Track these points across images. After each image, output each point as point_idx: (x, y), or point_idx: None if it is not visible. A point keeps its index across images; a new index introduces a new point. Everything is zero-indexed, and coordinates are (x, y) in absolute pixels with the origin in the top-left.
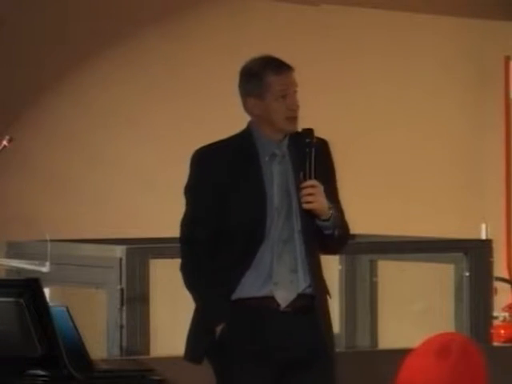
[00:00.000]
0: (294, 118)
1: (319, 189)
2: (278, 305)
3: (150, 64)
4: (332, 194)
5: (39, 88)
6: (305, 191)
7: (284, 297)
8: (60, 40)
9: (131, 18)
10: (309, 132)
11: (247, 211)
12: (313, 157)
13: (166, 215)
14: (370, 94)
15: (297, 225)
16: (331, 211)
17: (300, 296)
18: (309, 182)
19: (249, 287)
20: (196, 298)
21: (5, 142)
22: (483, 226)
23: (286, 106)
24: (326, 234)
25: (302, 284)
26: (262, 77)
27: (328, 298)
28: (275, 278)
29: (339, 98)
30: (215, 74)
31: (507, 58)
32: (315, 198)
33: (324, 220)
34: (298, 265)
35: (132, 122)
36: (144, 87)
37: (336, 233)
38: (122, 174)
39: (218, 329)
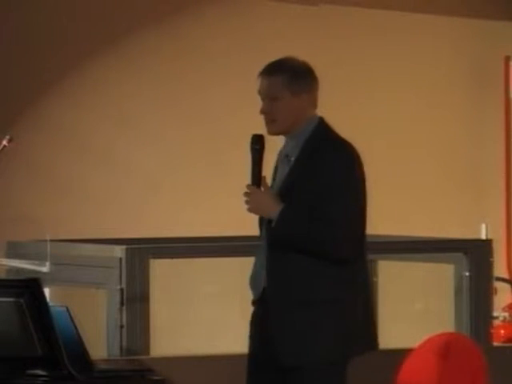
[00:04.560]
0: (266, 123)
1: (254, 194)
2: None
3: (154, 65)
4: (323, 203)
5: (39, 88)
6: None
7: (254, 290)
8: (60, 40)
9: (133, 17)
10: (258, 138)
11: None
12: (258, 162)
13: (166, 215)
14: (369, 94)
15: (267, 224)
16: (275, 215)
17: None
18: (246, 187)
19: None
20: None
21: (5, 142)
22: (483, 226)
23: (260, 109)
24: (272, 236)
25: (265, 281)
26: None
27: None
28: (252, 272)
29: (338, 98)
30: (219, 75)
31: (507, 58)
32: (248, 202)
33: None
34: (264, 262)
35: (133, 123)
36: (147, 88)
37: (282, 237)
38: (123, 174)
39: None
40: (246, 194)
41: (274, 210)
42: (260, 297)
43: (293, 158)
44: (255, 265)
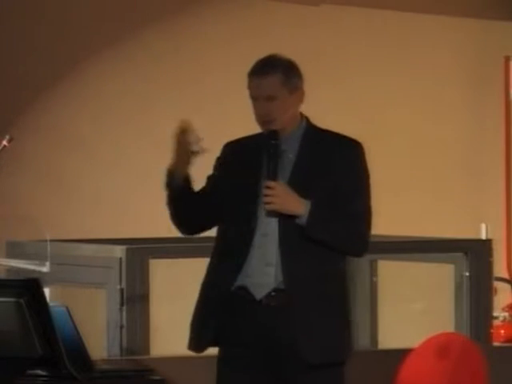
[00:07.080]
0: (262, 123)
1: (278, 190)
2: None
3: (150, 63)
4: (346, 198)
5: (39, 88)
6: (263, 192)
7: (256, 289)
8: (61, 40)
9: (134, 17)
10: (274, 134)
11: (242, 203)
12: (275, 158)
13: (166, 215)
14: (369, 93)
15: (279, 220)
16: (304, 212)
17: (280, 291)
18: (266, 183)
19: (241, 276)
20: None
21: (5, 142)
22: (483, 226)
23: (255, 110)
24: (307, 235)
25: (277, 278)
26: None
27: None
28: (249, 270)
29: (339, 97)
30: (221, 77)
31: (507, 58)
32: (273, 198)
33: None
34: (274, 259)
35: (133, 123)
36: (146, 88)
37: (319, 236)
38: (123, 173)
39: None
40: (267, 190)
41: (301, 205)
42: (266, 295)
43: (291, 155)
44: (251, 263)
